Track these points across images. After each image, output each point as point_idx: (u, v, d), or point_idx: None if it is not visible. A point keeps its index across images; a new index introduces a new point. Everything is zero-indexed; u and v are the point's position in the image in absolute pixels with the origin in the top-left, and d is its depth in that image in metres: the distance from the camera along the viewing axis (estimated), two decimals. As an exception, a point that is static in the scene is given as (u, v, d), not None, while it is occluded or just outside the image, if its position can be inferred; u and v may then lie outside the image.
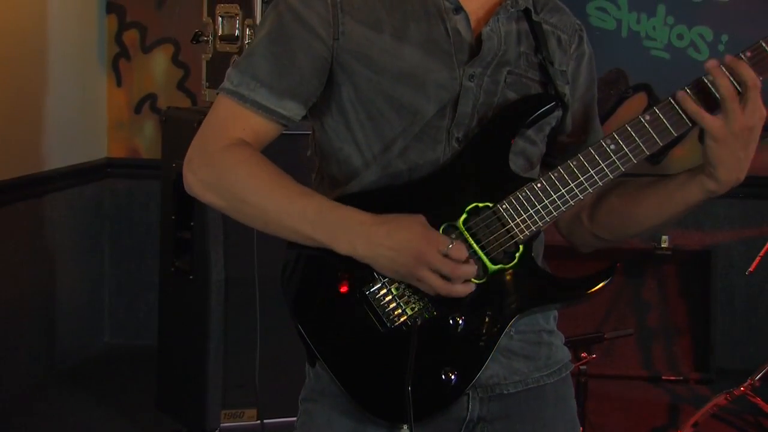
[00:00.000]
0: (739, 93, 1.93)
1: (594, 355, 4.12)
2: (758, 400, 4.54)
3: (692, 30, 5.62)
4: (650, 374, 5.54)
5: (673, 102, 2.00)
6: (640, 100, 5.68)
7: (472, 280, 1.98)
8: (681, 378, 5.50)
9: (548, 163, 2.16)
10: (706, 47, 5.60)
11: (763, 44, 1.97)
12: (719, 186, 2.00)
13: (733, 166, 1.97)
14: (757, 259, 4.47)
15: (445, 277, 1.93)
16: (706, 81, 1.97)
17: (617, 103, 5.63)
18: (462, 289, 1.95)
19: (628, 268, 5.57)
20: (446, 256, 1.92)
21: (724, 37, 5.55)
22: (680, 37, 5.64)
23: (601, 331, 4.39)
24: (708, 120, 1.95)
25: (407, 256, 1.92)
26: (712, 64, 1.95)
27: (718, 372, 5.50)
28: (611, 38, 5.63)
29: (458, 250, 1.94)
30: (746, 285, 5.67)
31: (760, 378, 4.53)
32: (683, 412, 5.10)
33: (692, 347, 5.58)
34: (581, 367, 4.08)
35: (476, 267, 1.97)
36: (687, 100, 1.97)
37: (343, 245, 1.95)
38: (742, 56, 1.95)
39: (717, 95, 1.94)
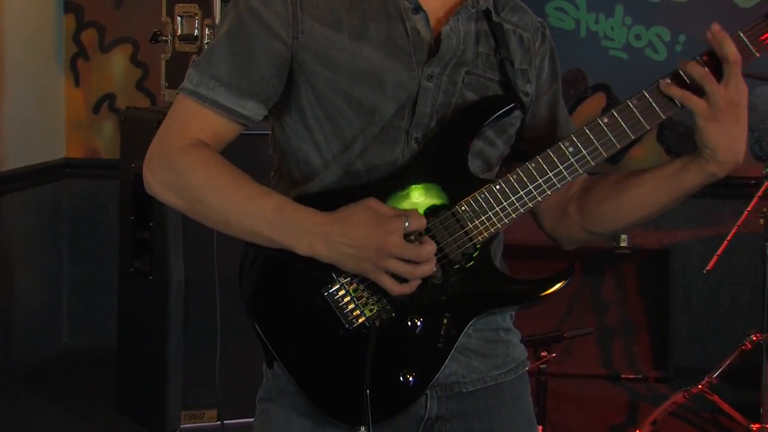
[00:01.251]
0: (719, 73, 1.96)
1: (554, 354, 4.14)
2: (716, 398, 4.57)
3: (650, 30, 5.66)
4: (609, 373, 5.57)
5: (630, 105, 2.02)
6: (598, 99, 5.71)
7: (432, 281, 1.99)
8: (640, 376, 5.54)
9: (519, 157, 2.16)
10: (663, 47, 5.64)
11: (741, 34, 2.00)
12: (721, 167, 2.00)
13: (730, 144, 1.98)
14: (715, 257, 4.50)
15: (411, 261, 1.93)
16: (681, 73, 1.99)
17: (576, 103, 5.65)
18: (427, 269, 1.94)
19: (587, 268, 5.60)
20: (407, 235, 1.92)
21: (682, 38, 5.59)
22: (638, 37, 5.68)
23: (560, 330, 4.41)
24: (695, 101, 1.97)
25: (368, 251, 1.92)
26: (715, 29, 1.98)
27: (676, 370, 5.54)
28: (570, 38, 5.65)
29: (416, 221, 1.94)
30: (704, 283, 5.71)
31: (717, 376, 4.57)
32: (642, 410, 5.12)
33: (651, 346, 5.61)
34: (541, 365, 4.09)
35: (434, 246, 1.96)
36: (671, 86, 1.99)
37: (303, 246, 1.95)
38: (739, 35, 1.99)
39: (695, 79, 1.97)
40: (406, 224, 1.92)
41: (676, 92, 1.99)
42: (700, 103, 1.96)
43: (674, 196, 2.09)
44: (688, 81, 1.99)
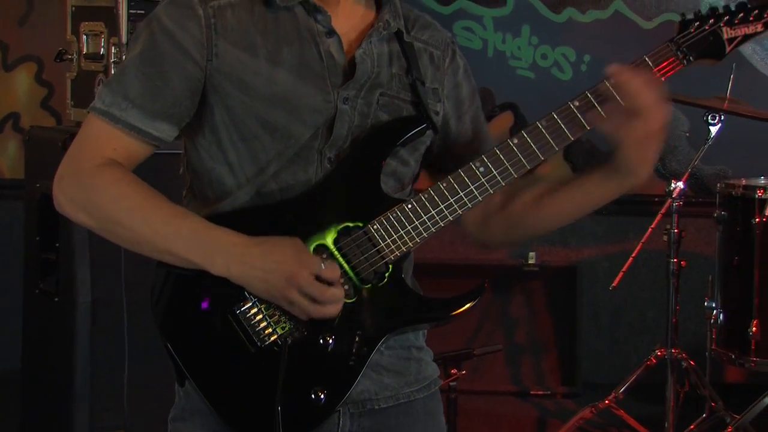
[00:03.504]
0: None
1: (464, 371, 4.17)
2: (622, 413, 4.64)
3: (556, 50, 5.73)
4: (519, 389, 5.60)
5: (540, 126, 2.05)
6: (506, 118, 5.76)
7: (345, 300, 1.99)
8: (548, 392, 5.58)
9: (445, 173, 2.18)
10: (569, 67, 5.71)
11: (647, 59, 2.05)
12: (637, 180, 2.06)
13: (647, 161, 2.04)
14: (620, 274, 4.56)
15: (315, 300, 1.94)
16: (589, 95, 2.04)
17: (484, 122, 5.70)
18: (331, 311, 1.97)
19: (496, 285, 5.63)
20: (318, 277, 1.93)
21: (587, 57, 5.67)
22: (544, 57, 5.75)
23: (470, 347, 4.45)
24: (607, 123, 2.02)
25: (279, 278, 1.93)
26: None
27: (584, 386, 5.59)
28: (477, 58, 5.70)
29: (330, 271, 1.96)
30: (610, 300, 5.78)
31: (623, 391, 4.63)
32: (550, 425, 5.17)
33: (559, 362, 5.67)
34: (451, 383, 4.11)
35: (344, 290, 1.99)
36: (585, 107, 2.04)
37: (217, 267, 1.96)
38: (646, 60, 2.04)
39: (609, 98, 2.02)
40: (322, 266, 1.94)
41: (589, 115, 2.03)
42: (614, 124, 2.00)
43: (593, 206, 2.16)
44: (599, 101, 2.03)
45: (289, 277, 1.93)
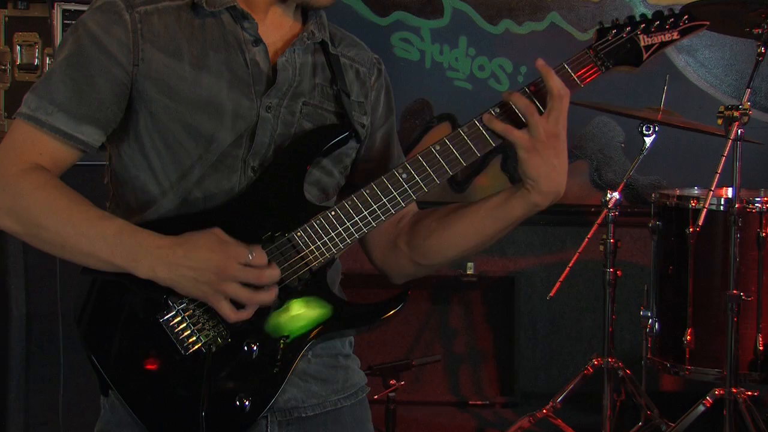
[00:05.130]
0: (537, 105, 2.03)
1: (402, 382, 4.17)
2: (559, 422, 4.66)
3: (493, 61, 5.76)
4: (457, 399, 5.61)
5: (462, 133, 2.07)
6: (444, 129, 5.76)
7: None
8: (487, 402, 5.59)
9: (353, 190, 2.19)
10: (506, 78, 5.74)
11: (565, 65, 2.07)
12: (543, 198, 2.06)
13: (551, 175, 2.04)
14: (557, 284, 4.58)
15: (250, 286, 1.94)
16: (506, 103, 2.06)
17: (422, 133, 5.71)
18: (267, 296, 1.96)
19: (434, 295, 5.65)
20: (248, 265, 1.93)
21: (524, 69, 5.70)
22: (482, 68, 5.77)
23: (409, 357, 4.45)
24: (516, 134, 2.02)
25: (209, 273, 1.92)
26: (540, 63, 2.04)
27: (522, 395, 5.60)
28: (415, 69, 5.72)
29: (259, 257, 1.95)
30: (547, 310, 5.81)
31: (561, 400, 4.65)
32: (489, 435, 5.19)
33: (497, 372, 5.68)
34: (390, 394, 4.11)
35: (278, 271, 1.98)
36: (493, 120, 2.05)
37: (143, 269, 1.95)
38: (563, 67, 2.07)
39: (518, 109, 2.04)
40: (250, 256, 1.93)
41: (498, 127, 2.05)
42: (521, 136, 2.02)
43: (499, 227, 2.15)
44: (513, 110, 2.05)
45: (218, 270, 1.92)
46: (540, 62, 2.05)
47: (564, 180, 2.07)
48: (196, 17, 2.09)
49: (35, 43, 4.33)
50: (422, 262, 2.24)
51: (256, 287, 1.95)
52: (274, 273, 1.97)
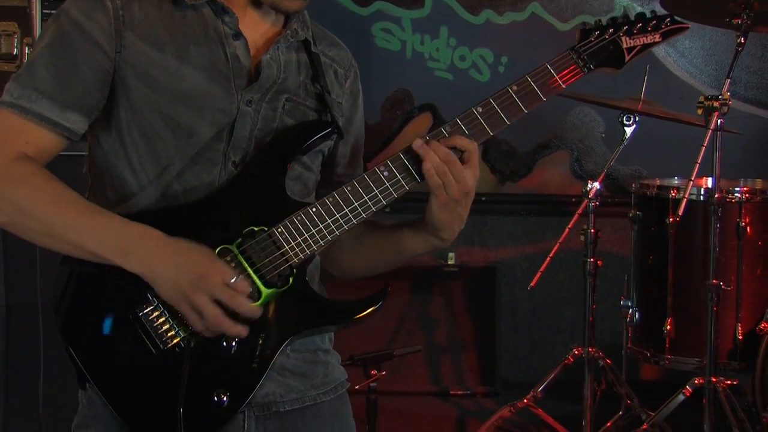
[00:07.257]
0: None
1: (384, 372, 4.17)
2: (540, 411, 4.67)
3: (474, 52, 5.76)
4: (439, 389, 5.62)
5: (444, 131, 2.09)
6: (425, 119, 5.77)
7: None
8: (468, 392, 5.61)
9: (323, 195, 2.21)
10: (487, 68, 5.74)
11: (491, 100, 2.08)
12: (444, 243, 2.13)
13: (454, 226, 2.09)
14: (538, 274, 4.58)
15: (222, 307, 1.93)
16: (490, 100, 2.08)
17: (403, 123, 5.71)
18: (232, 328, 1.96)
19: (415, 285, 5.65)
20: (229, 287, 1.93)
21: (504, 59, 5.70)
22: (463, 58, 5.77)
23: (390, 348, 4.46)
24: (440, 192, 2.04)
25: (190, 274, 1.92)
26: (417, 144, 2.04)
27: (503, 385, 5.62)
28: (396, 59, 5.71)
29: (243, 285, 1.95)
30: (528, 300, 5.82)
31: (542, 390, 4.66)
32: (470, 425, 5.19)
33: (478, 361, 5.69)
34: (371, 384, 4.12)
35: (257, 309, 1.98)
36: (429, 172, 2.06)
37: (130, 262, 1.94)
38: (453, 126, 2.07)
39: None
40: (234, 278, 1.94)
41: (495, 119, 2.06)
42: (442, 195, 2.03)
43: (404, 258, 2.22)
44: (499, 103, 2.06)
45: (198, 277, 1.92)
46: (417, 143, 2.04)
47: (461, 227, 2.11)
48: (176, 9, 2.09)
49: (14, 32, 4.31)
50: (336, 275, 2.33)
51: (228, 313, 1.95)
52: (251, 307, 1.97)
